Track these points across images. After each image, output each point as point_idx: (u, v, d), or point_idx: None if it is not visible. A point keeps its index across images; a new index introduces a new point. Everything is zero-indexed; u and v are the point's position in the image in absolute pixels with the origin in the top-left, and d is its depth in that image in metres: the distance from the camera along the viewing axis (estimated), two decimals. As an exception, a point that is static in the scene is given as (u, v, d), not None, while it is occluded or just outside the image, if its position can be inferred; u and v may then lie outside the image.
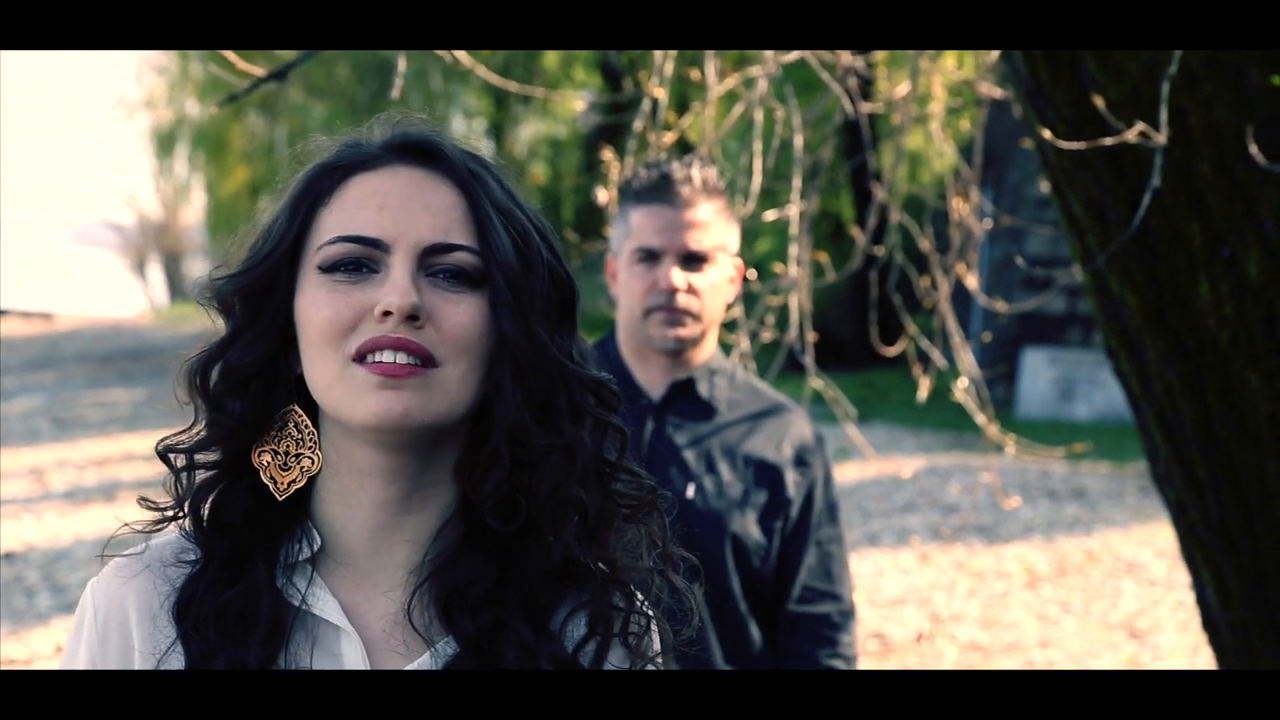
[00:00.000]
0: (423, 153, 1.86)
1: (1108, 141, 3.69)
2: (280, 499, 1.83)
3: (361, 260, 1.80)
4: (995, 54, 4.67)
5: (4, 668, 8.43)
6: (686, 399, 3.74)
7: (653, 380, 3.73)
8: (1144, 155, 3.79)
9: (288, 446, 1.84)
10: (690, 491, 3.65)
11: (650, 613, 1.88)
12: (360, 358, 1.77)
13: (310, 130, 24.74)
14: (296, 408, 1.85)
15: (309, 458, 1.83)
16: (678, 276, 3.64)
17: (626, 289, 3.70)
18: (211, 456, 1.86)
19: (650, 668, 1.86)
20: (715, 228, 3.69)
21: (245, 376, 1.84)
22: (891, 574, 10.34)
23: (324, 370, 1.79)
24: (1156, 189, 3.74)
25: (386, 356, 1.76)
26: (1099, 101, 3.74)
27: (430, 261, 1.80)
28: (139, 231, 40.49)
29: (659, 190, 3.68)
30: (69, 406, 20.87)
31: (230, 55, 3.96)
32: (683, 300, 3.65)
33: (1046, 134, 3.82)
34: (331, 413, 1.80)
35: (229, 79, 4.25)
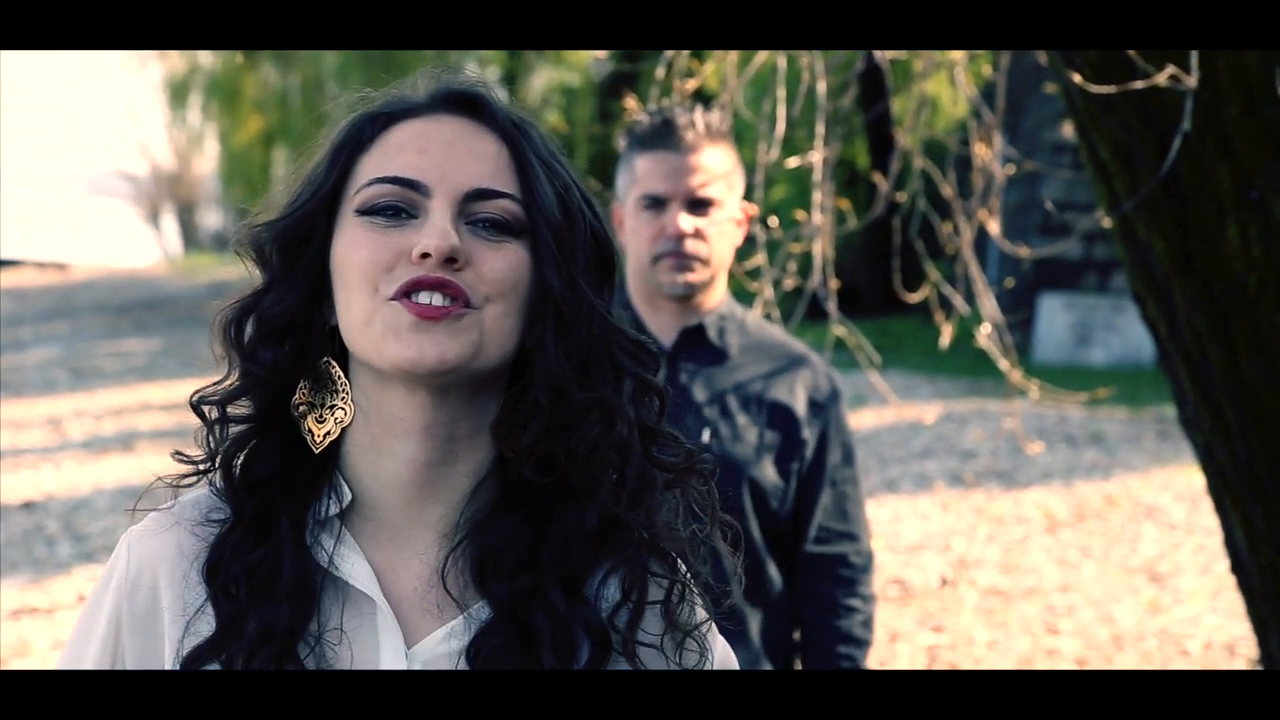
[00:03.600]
0: (467, 103, 1.84)
1: (1137, 85, 3.66)
2: (316, 451, 1.81)
3: (400, 204, 1.78)
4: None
5: (27, 616, 8.47)
6: (698, 345, 3.73)
7: (663, 327, 3.72)
8: (1171, 99, 3.76)
9: (322, 398, 1.82)
10: (705, 436, 3.65)
11: (691, 582, 1.84)
12: (396, 299, 1.74)
13: (324, 79, 24.73)
14: (330, 359, 1.83)
15: (342, 408, 1.81)
16: (685, 221, 3.64)
17: (634, 236, 3.70)
18: (244, 409, 1.84)
19: (690, 639, 1.83)
20: (721, 172, 3.68)
21: (279, 326, 1.82)
22: (910, 520, 10.35)
23: (358, 312, 1.77)
24: (1186, 133, 3.71)
25: (423, 298, 1.74)
26: (1127, 45, 3.72)
27: (471, 209, 1.78)
28: (152, 181, 40.42)
29: (662, 136, 3.67)
30: (85, 356, 20.91)
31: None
32: (690, 245, 3.65)
33: (1076, 78, 3.79)
34: (364, 356, 1.78)
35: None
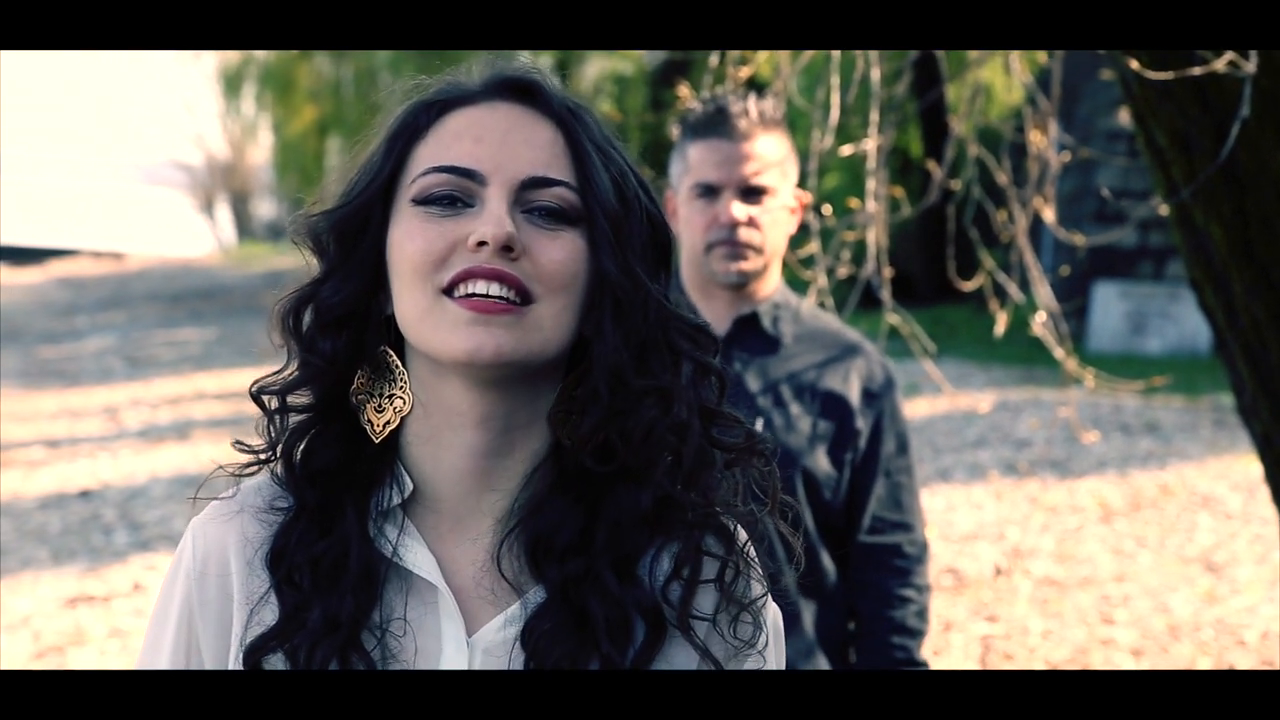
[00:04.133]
0: (522, 90, 1.83)
1: (1195, 71, 3.63)
2: (376, 441, 1.81)
3: (456, 193, 1.77)
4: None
5: (84, 604, 8.52)
6: (751, 333, 3.72)
7: (717, 316, 3.71)
8: (1229, 85, 3.73)
9: (381, 387, 1.82)
10: (759, 426, 3.64)
11: (748, 558, 1.84)
12: (451, 289, 1.74)
13: (377, 69, 24.79)
14: (387, 348, 1.83)
15: (401, 398, 1.81)
16: (738, 209, 3.63)
17: (687, 225, 3.69)
18: (304, 399, 1.84)
19: (745, 613, 1.82)
20: (774, 160, 3.66)
21: (338, 316, 1.81)
22: (964, 509, 10.31)
23: (414, 303, 1.76)
24: (1245, 119, 3.68)
25: (479, 287, 1.73)
26: (1185, 30, 3.69)
27: (528, 197, 1.77)
28: (207, 171, 40.63)
29: (716, 124, 3.66)
30: (141, 346, 21.03)
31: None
32: (744, 234, 3.64)
33: (1133, 64, 3.77)
34: (422, 348, 1.78)
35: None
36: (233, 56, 27.86)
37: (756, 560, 1.86)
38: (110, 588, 8.86)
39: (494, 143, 1.79)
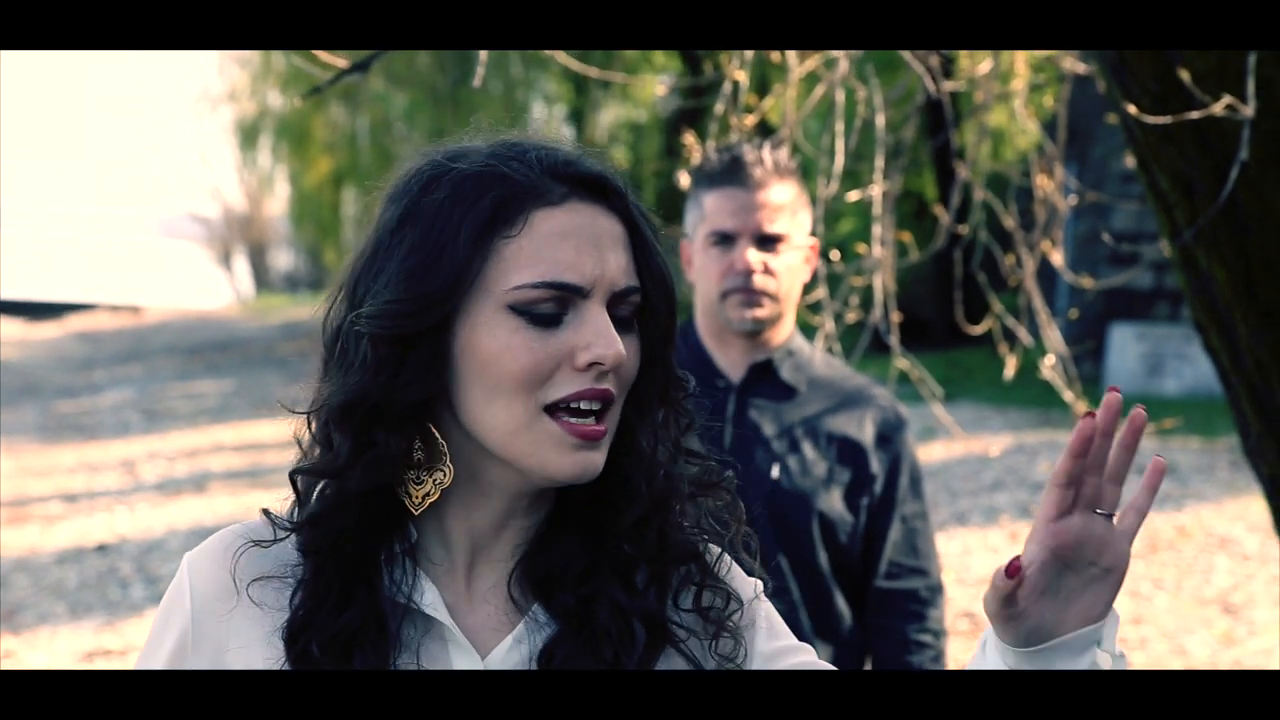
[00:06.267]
0: (597, 188, 1.81)
1: (1194, 115, 3.65)
2: (415, 513, 1.80)
3: (559, 309, 1.75)
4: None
5: (101, 658, 8.53)
6: (767, 380, 3.75)
7: (733, 363, 3.74)
8: (1230, 128, 3.75)
9: (419, 459, 1.80)
10: (775, 471, 3.66)
11: (717, 576, 1.86)
12: (557, 414, 1.75)
13: (392, 120, 24.88)
14: (429, 422, 1.80)
15: (442, 470, 1.79)
16: (753, 257, 3.65)
17: (703, 273, 3.71)
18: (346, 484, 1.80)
19: (723, 632, 1.85)
20: (788, 208, 3.70)
21: (404, 412, 1.77)
22: (980, 553, 10.30)
23: (509, 416, 1.75)
24: (1244, 162, 3.70)
25: (584, 404, 1.74)
26: (1184, 74, 3.71)
27: (613, 305, 1.78)
28: (224, 223, 40.74)
29: (731, 173, 3.69)
30: (158, 398, 21.08)
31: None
32: (759, 281, 3.66)
33: (1131, 108, 3.79)
34: (509, 459, 1.77)
35: (311, 70, 4.27)
36: (249, 108, 27.98)
37: (730, 569, 1.90)
38: (127, 642, 8.87)
39: (589, 253, 1.77)
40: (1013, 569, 1.72)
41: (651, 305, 1.81)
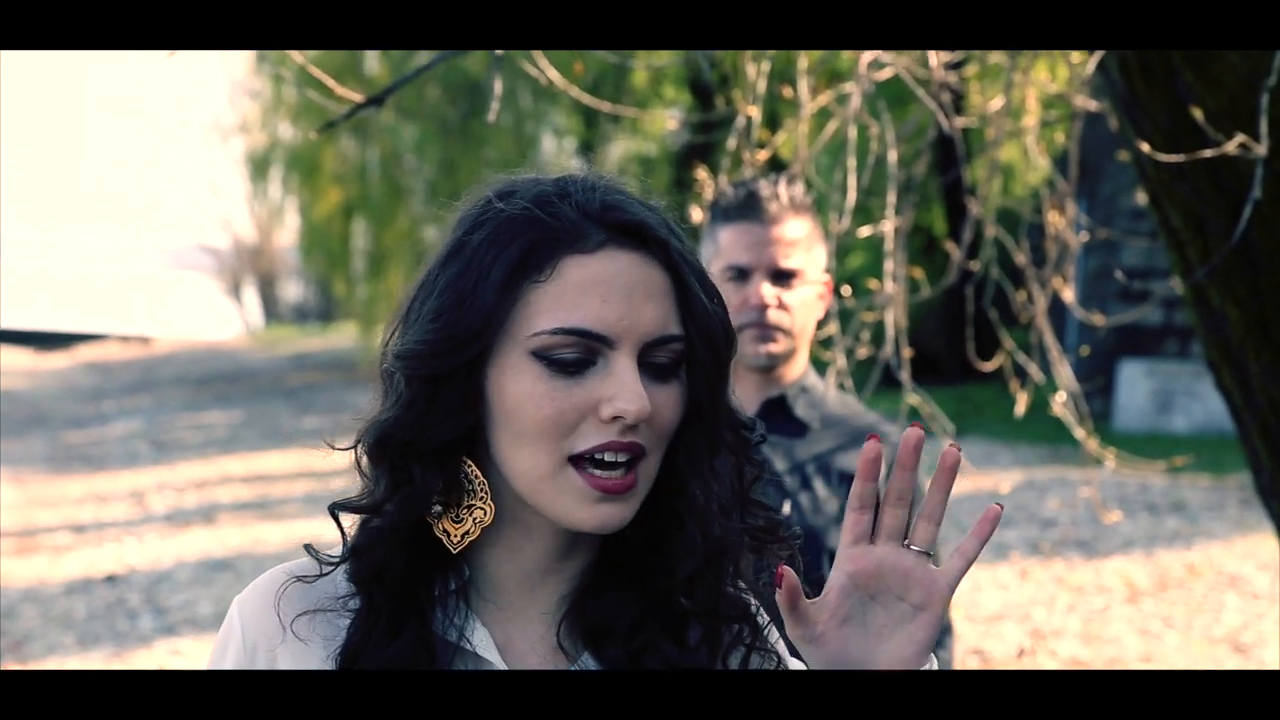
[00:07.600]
0: (635, 235, 1.79)
1: (1207, 154, 3.65)
2: (454, 551, 1.80)
3: (585, 356, 1.74)
4: (1090, 65, 4.63)
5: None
6: (779, 416, 3.75)
7: (746, 398, 3.73)
8: (1243, 166, 3.75)
9: (458, 497, 1.80)
10: (786, 508, 3.66)
11: (770, 647, 1.86)
12: (580, 466, 1.74)
13: (401, 152, 24.91)
14: (467, 459, 1.80)
15: (481, 508, 1.79)
16: (768, 292, 3.65)
17: (718, 308, 3.71)
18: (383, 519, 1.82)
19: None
20: (803, 244, 3.70)
21: (438, 449, 1.78)
22: (990, 589, 10.27)
23: (535, 464, 1.75)
24: (1257, 200, 3.70)
25: (609, 456, 1.73)
26: (1197, 113, 3.71)
27: (646, 355, 1.76)
28: (234, 254, 40.78)
29: (746, 208, 3.69)
30: (167, 429, 21.07)
31: (325, 79, 3.98)
32: (773, 316, 3.66)
33: (1144, 146, 3.79)
34: (535, 505, 1.78)
35: (322, 102, 4.28)
36: (260, 140, 28.02)
37: (776, 636, 1.89)
38: (135, 672, 8.85)
39: (620, 302, 1.75)
40: (777, 576, 1.74)
41: (697, 354, 1.78)
